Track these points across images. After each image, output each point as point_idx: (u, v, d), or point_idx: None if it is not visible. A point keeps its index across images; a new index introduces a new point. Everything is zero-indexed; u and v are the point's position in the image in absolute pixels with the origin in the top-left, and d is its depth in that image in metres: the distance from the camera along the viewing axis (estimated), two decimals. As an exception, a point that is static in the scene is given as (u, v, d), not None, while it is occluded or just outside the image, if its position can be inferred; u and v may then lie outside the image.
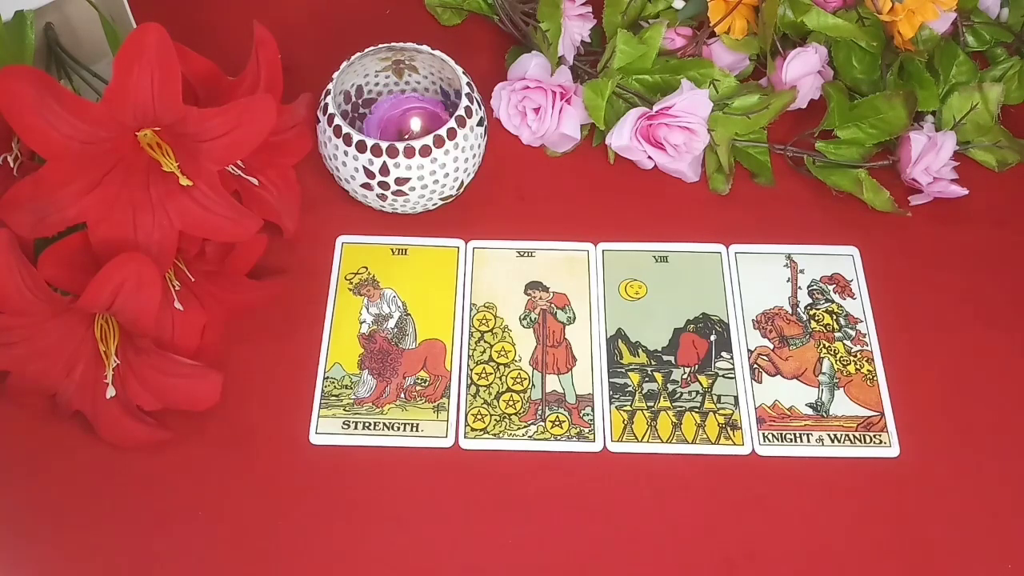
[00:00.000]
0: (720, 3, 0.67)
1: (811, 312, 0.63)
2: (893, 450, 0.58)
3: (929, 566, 0.55)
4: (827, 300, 0.64)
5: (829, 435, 0.59)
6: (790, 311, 0.63)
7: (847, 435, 0.59)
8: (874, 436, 0.59)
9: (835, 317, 0.63)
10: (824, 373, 0.61)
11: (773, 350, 0.62)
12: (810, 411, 0.60)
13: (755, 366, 0.61)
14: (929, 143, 0.65)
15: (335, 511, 0.56)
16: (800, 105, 0.69)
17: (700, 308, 0.63)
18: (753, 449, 0.58)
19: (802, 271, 0.65)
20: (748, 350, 0.62)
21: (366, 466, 0.58)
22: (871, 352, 0.62)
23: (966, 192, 0.66)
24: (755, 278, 0.64)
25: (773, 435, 0.59)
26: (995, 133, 0.68)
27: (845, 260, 0.65)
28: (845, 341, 0.62)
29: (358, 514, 0.56)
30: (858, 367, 0.61)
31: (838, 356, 0.62)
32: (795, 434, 0.59)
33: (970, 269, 0.65)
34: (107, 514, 0.56)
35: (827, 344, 0.62)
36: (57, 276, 0.53)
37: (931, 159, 0.65)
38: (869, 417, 0.59)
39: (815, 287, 0.64)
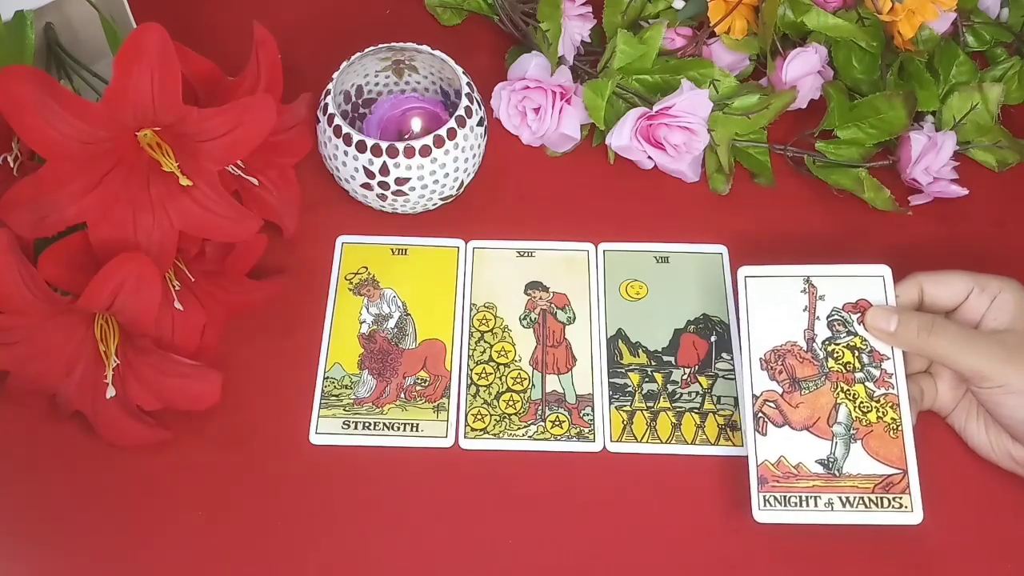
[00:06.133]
0: (720, 3, 0.67)
1: (829, 348, 0.56)
2: (915, 516, 0.52)
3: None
4: (849, 333, 0.56)
5: (841, 498, 0.53)
6: (804, 347, 0.56)
7: (861, 498, 0.53)
8: (893, 499, 0.53)
9: (857, 354, 0.55)
10: (840, 423, 0.54)
11: (782, 395, 0.55)
12: (820, 468, 0.54)
13: (760, 415, 0.55)
14: (929, 143, 0.65)
15: (335, 511, 0.56)
16: (800, 105, 0.69)
17: (701, 309, 0.63)
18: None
19: (822, 297, 0.57)
20: (753, 395, 0.55)
21: (366, 466, 0.58)
22: (897, 396, 0.54)
23: (966, 192, 0.66)
24: (766, 306, 0.57)
25: (775, 498, 0.53)
26: (995, 133, 0.68)
27: (874, 283, 0.57)
28: (867, 383, 0.55)
29: (358, 514, 0.56)
30: (880, 415, 0.54)
31: (858, 402, 0.55)
32: (800, 496, 0.53)
33: (970, 269, 0.65)
34: (107, 514, 0.56)
35: (845, 387, 0.55)
36: (57, 276, 0.53)
37: (931, 159, 0.65)
38: (889, 476, 0.53)
39: (836, 317, 0.56)
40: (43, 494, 0.57)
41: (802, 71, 0.67)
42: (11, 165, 0.56)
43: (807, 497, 0.53)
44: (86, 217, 0.53)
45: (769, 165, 0.69)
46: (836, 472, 0.53)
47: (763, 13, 0.67)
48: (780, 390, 0.55)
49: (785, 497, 0.53)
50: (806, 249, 0.66)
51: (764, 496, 0.53)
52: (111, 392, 0.55)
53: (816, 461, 0.54)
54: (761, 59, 0.70)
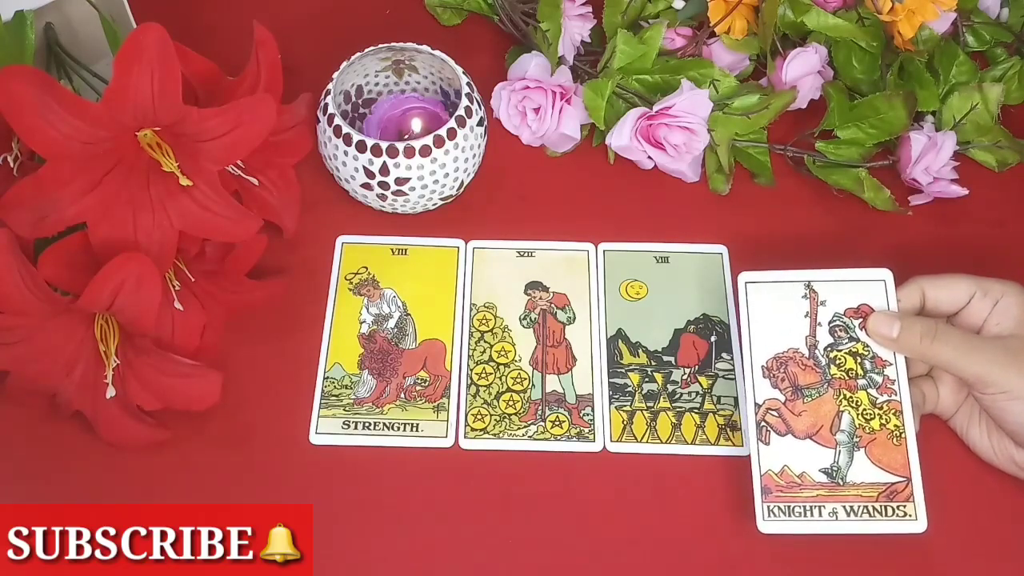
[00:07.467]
0: (720, 3, 0.67)
1: (831, 354, 0.55)
2: (919, 524, 0.52)
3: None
4: (851, 339, 0.55)
5: (845, 507, 0.52)
6: (807, 354, 0.55)
7: (865, 507, 0.52)
8: (898, 507, 0.52)
9: (859, 360, 0.55)
10: (843, 431, 0.54)
11: (784, 403, 0.55)
12: (824, 478, 0.53)
13: (763, 424, 0.54)
14: (929, 143, 0.65)
15: (335, 511, 0.56)
16: (800, 105, 0.69)
17: (701, 309, 0.63)
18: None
19: (823, 303, 0.56)
20: (756, 404, 0.55)
21: (366, 466, 0.58)
22: (899, 403, 0.54)
23: (966, 192, 0.66)
24: (767, 312, 0.56)
25: (780, 508, 0.53)
26: (995, 133, 0.68)
27: (875, 287, 0.56)
28: (870, 390, 0.54)
29: (358, 514, 0.56)
30: (883, 422, 0.54)
31: (860, 409, 0.54)
32: (804, 506, 0.53)
33: (971, 269, 0.65)
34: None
35: (848, 394, 0.55)
36: (57, 276, 0.53)
37: (931, 159, 0.65)
38: (893, 484, 0.53)
39: (838, 322, 0.56)
40: (43, 494, 0.57)
41: (802, 71, 0.67)
42: (11, 165, 0.56)
43: (811, 507, 0.52)
44: (86, 217, 0.53)
45: (769, 165, 0.69)
46: (840, 481, 0.53)
47: (763, 13, 0.67)
48: (783, 398, 0.55)
49: (789, 507, 0.53)
50: (806, 249, 0.66)
51: (768, 506, 0.53)
52: (111, 392, 0.55)
53: (820, 470, 0.53)
54: (761, 59, 0.70)
